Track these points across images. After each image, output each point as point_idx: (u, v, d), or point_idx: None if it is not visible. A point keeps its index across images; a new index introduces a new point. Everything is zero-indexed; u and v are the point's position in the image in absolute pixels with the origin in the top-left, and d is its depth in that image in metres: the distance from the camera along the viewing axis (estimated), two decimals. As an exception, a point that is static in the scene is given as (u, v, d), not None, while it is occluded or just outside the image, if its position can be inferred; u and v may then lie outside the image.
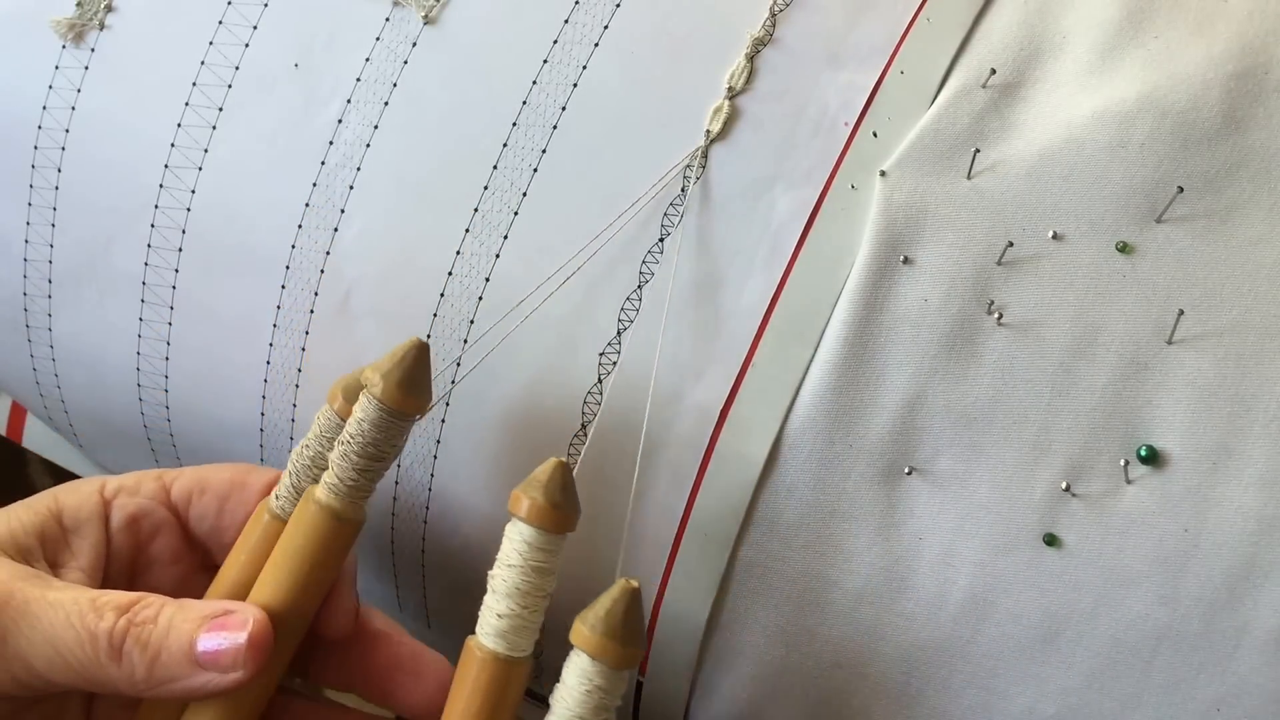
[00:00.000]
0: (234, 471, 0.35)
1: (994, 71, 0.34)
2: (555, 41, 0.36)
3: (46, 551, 0.33)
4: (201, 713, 0.31)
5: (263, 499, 0.34)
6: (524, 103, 0.36)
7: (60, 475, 0.52)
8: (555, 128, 0.35)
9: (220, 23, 0.38)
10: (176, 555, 0.35)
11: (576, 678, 0.28)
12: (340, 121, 0.37)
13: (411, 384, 0.31)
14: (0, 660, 0.29)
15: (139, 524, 0.34)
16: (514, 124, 0.36)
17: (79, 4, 0.40)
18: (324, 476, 0.32)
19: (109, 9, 0.39)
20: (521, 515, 0.29)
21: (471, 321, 0.35)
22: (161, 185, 0.38)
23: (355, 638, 0.34)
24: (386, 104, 0.37)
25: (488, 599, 0.30)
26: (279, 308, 0.37)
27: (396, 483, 0.37)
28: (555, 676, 0.29)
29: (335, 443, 0.32)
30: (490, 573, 0.30)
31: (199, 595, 0.33)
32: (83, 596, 0.30)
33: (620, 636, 0.28)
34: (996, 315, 0.32)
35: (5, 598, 0.30)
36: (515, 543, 0.30)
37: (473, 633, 0.30)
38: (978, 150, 0.33)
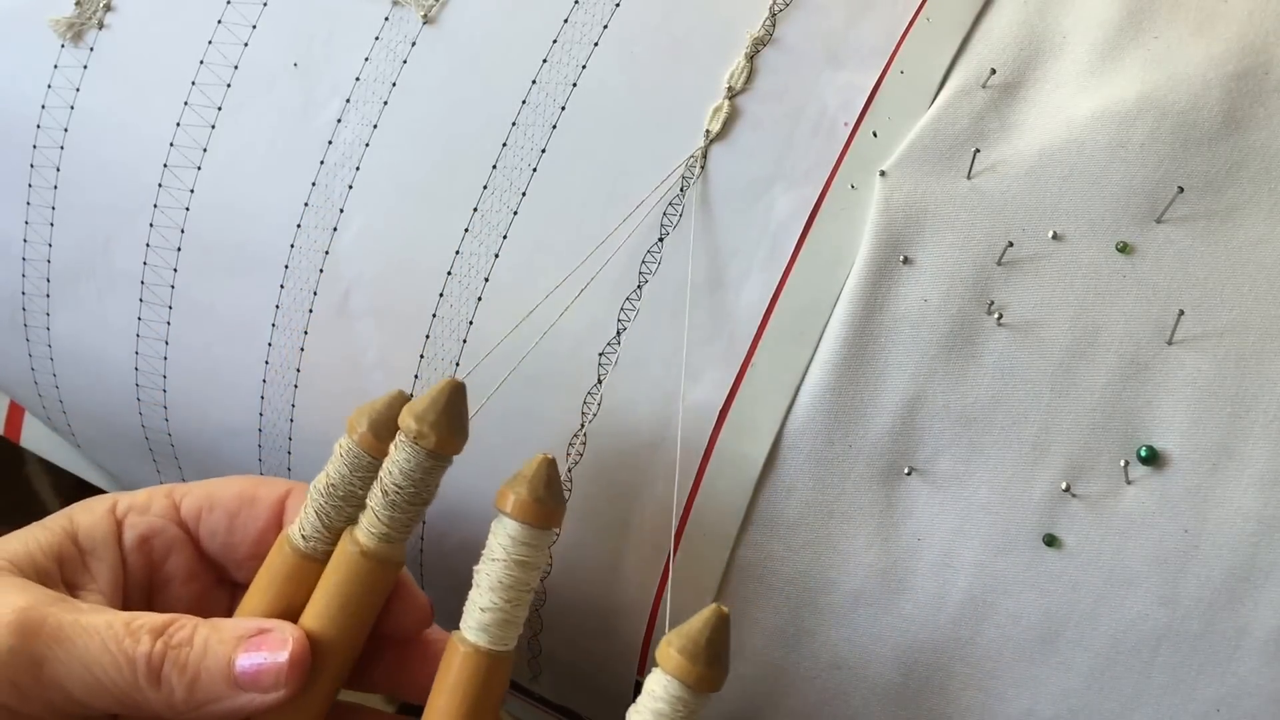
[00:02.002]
0: (242, 485, 0.34)
1: (994, 71, 0.34)
2: (555, 41, 0.36)
3: (65, 573, 0.32)
4: None
5: (273, 513, 0.34)
6: (523, 102, 0.36)
7: (58, 475, 0.52)
8: (555, 127, 0.35)
9: (219, 22, 0.38)
10: (191, 573, 0.34)
11: (659, 699, 0.27)
12: (339, 121, 0.37)
13: (458, 429, 0.31)
14: (37, 688, 0.29)
15: (151, 543, 0.34)
16: (513, 123, 0.36)
17: (78, 3, 0.39)
18: (365, 522, 0.31)
19: (108, 8, 0.39)
20: (507, 510, 0.30)
21: (470, 322, 0.35)
22: (160, 184, 0.38)
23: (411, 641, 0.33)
24: (386, 103, 0.37)
25: (472, 594, 0.30)
26: (278, 307, 0.37)
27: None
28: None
29: (375, 489, 0.31)
30: (475, 568, 0.30)
31: (217, 612, 0.33)
32: (116, 620, 0.29)
33: (704, 659, 0.27)
34: (996, 315, 0.32)
35: (38, 623, 0.29)
36: (499, 537, 0.30)
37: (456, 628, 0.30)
38: (978, 150, 0.33)
